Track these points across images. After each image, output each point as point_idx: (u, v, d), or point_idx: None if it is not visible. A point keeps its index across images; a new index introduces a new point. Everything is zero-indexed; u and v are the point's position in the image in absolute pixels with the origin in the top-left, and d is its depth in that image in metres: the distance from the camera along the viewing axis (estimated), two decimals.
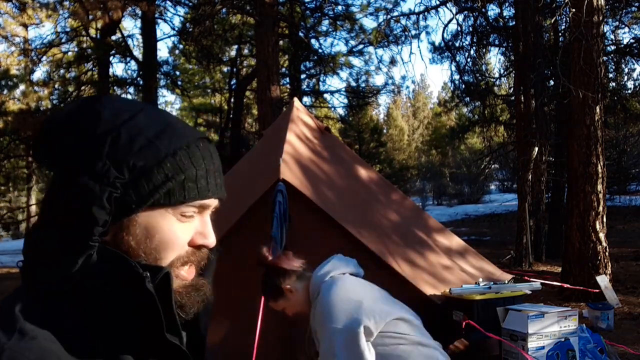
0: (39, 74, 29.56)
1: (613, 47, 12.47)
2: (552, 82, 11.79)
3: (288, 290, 2.13)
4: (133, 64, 17.65)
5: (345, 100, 17.99)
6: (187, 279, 0.73)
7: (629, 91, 13.89)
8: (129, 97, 17.73)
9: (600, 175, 7.09)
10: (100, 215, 0.65)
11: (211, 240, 0.74)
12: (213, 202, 0.75)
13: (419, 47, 68.57)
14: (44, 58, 15.88)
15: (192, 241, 0.73)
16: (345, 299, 1.98)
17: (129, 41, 17.30)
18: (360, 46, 15.77)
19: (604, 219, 7.14)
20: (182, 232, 0.72)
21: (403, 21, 11.74)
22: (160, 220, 0.70)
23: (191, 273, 0.74)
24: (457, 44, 12.49)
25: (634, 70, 18.22)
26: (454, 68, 13.60)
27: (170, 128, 0.72)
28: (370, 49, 15.40)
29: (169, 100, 29.43)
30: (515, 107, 11.14)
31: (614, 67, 12.98)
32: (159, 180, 0.68)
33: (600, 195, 7.09)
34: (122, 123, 0.69)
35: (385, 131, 32.18)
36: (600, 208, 7.08)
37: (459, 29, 12.48)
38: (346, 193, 4.76)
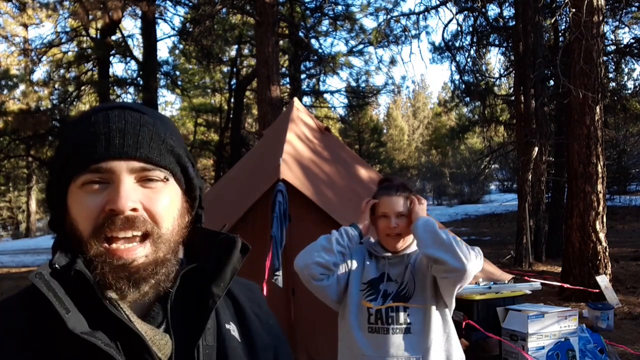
0: (39, 74, 29.55)
1: (613, 47, 12.47)
2: (552, 82, 11.79)
3: None
4: (133, 64, 17.72)
5: (345, 100, 18.01)
6: (121, 256, 0.70)
7: (629, 91, 13.88)
8: (129, 97, 17.76)
9: (600, 175, 7.09)
10: (49, 203, 0.77)
11: (117, 203, 0.69)
12: (116, 164, 0.71)
13: (419, 47, 68.66)
14: (44, 58, 15.90)
15: (105, 208, 0.70)
16: None
17: (129, 41, 17.35)
18: (360, 46, 15.81)
19: (604, 219, 7.14)
20: (91, 201, 0.71)
21: (403, 21, 11.75)
22: (72, 196, 0.73)
23: (130, 250, 0.70)
24: (457, 44, 12.51)
25: (634, 70, 18.22)
26: (454, 68, 13.64)
27: (87, 110, 0.79)
28: (370, 49, 15.43)
29: (169, 100, 29.46)
30: (515, 107, 11.14)
31: (614, 67, 12.97)
32: (57, 158, 0.74)
33: (600, 195, 7.09)
34: (67, 123, 0.79)
35: (385, 131, 32.18)
36: (600, 208, 7.08)
37: (459, 29, 12.49)
38: (346, 193, 4.75)
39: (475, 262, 1.77)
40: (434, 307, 1.89)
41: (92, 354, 0.66)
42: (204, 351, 0.75)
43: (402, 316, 1.87)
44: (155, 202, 0.73)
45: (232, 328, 0.82)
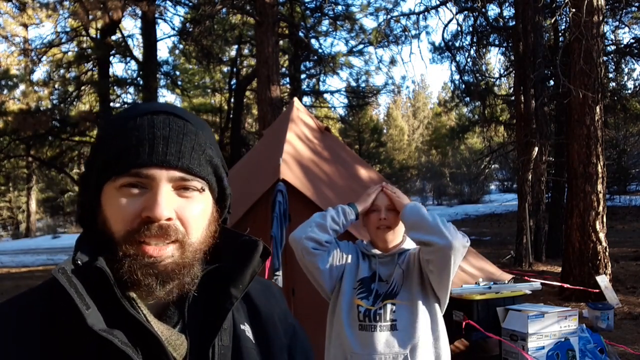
0: (39, 74, 29.57)
1: (613, 47, 12.47)
2: (552, 82, 11.79)
3: None
4: (133, 64, 17.74)
5: (345, 100, 18.01)
6: (152, 254, 0.70)
7: (629, 91, 13.88)
8: (129, 97, 17.77)
9: (600, 175, 7.09)
10: (82, 199, 0.77)
11: (155, 211, 0.69)
12: (157, 172, 0.71)
13: (419, 47, 68.62)
14: (44, 58, 15.91)
15: (141, 214, 0.71)
16: None
17: (129, 41, 17.36)
18: (360, 46, 15.81)
19: (604, 219, 7.14)
20: (128, 205, 0.71)
21: (403, 21, 11.76)
22: (108, 195, 0.73)
23: (161, 249, 0.71)
24: (457, 44, 12.51)
25: (634, 70, 18.23)
26: (454, 68, 13.65)
27: (131, 109, 0.77)
28: (370, 49, 15.43)
29: (169, 101, 29.44)
30: (515, 107, 11.14)
31: (614, 67, 12.97)
32: (98, 157, 0.74)
33: (600, 195, 7.09)
34: (109, 119, 0.81)
35: (385, 131, 32.19)
36: (600, 208, 7.08)
37: (459, 29, 12.51)
38: (346, 193, 4.75)
39: (461, 240, 1.83)
40: (420, 305, 1.91)
41: (107, 353, 0.67)
42: (219, 351, 0.76)
43: (388, 313, 1.90)
44: (189, 212, 0.74)
45: (247, 329, 0.83)
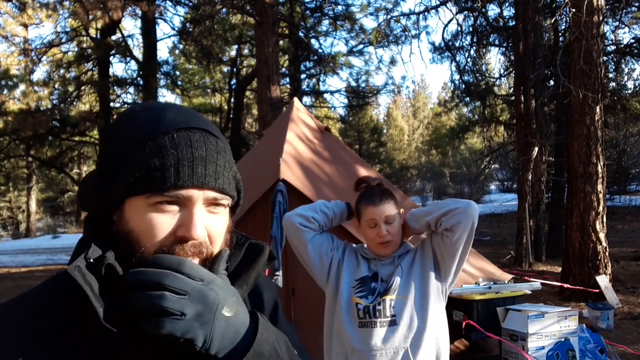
0: (39, 74, 29.60)
1: (613, 47, 12.47)
2: (552, 82, 11.79)
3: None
4: (133, 64, 17.74)
5: (345, 100, 18.01)
6: None
7: (629, 91, 13.89)
8: (129, 97, 17.75)
9: (600, 175, 7.09)
10: (94, 203, 0.75)
11: (192, 232, 0.71)
12: (195, 193, 0.71)
13: (419, 47, 68.64)
14: (44, 58, 15.92)
15: (176, 232, 0.71)
16: None
17: (129, 41, 17.36)
18: (360, 46, 15.80)
19: (604, 219, 7.14)
20: (160, 222, 0.71)
21: (403, 21, 11.75)
22: (137, 209, 0.72)
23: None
24: (457, 44, 12.52)
25: (634, 70, 18.24)
26: (454, 68, 13.65)
27: (161, 120, 0.74)
28: (370, 49, 15.42)
29: (169, 101, 29.41)
30: (515, 107, 11.15)
31: (614, 67, 12.98)
32: (124, 165, 0.71)
33: (600, 195, 7.09)
34: (123, 121, 0.77)
35: (385, 131, 32.19)
36: (600, 208, 7.08)
37: (459, 29, 12.51)
38: (346, 193, 4.75)
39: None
40: (419, 300, 1.91)
41: (120, 350, 0.68)
42: None
43: (388, 308, 1.89)
44: (215, 228, 0.76)
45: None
